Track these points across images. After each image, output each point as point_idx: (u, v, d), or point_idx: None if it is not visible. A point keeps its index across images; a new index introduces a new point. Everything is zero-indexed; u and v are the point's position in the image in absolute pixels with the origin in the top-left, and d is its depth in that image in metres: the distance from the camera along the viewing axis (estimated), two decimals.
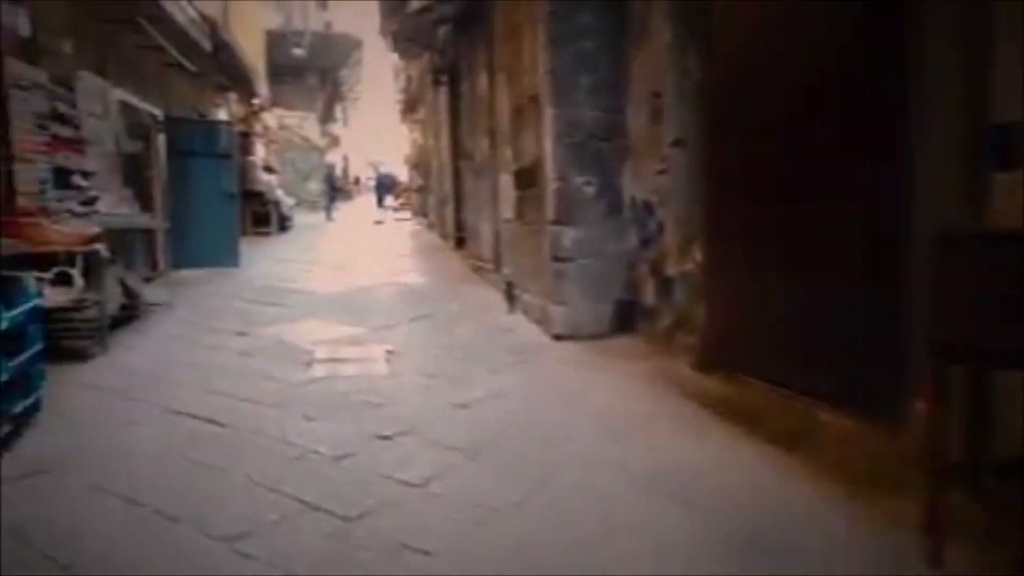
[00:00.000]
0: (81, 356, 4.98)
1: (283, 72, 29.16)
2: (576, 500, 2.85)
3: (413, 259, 12.03)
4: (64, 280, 4.86)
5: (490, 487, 2.97)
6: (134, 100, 8.45)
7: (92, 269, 5.10)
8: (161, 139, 9.49)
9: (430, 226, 17.88)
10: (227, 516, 2.71)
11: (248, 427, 3.72)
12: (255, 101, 17.43)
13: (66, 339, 4.91)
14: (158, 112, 9.46)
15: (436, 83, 13.63)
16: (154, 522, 2.68)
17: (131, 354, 5.36)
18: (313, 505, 2.80)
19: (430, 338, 6.02)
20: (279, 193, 16.90)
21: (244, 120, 16.41)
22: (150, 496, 2.86)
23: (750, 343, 4.21)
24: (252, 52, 18.36)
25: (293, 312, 7.11)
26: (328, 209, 23.29)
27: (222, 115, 14.13)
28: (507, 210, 7.48)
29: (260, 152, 17.28)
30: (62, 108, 5.69)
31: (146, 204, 8.79)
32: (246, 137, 16.48)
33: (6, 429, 3.31)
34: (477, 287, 8.57)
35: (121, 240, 6.23)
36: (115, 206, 6.38)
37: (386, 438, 3.57)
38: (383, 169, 25.31)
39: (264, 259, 11.82)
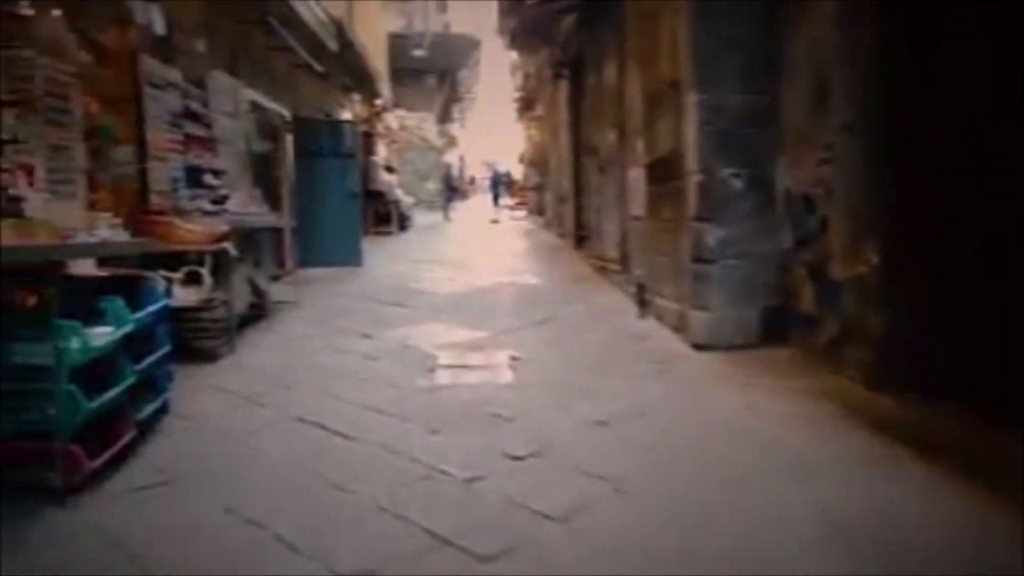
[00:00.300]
0: (210, 356, 4.95)
1: (403, 74, 29.77)
2: (755, 552, 2.37)
3: (532, 258, 11.72)
4: (193, 279, 4.84)
5: (646, 528, 2.55)
6: (264, 100, 8.59)
7: (221, 268, 5.07)
8: (288, 139, 9.65)
9: (547, 224, 17.57)
10: (351, 549, 2.43)
11: (373, 439, 3.47)
12: (377, 102, 17.71)
13: (195, 339, 4.90)
14: (286, 112, 9.62)
15: (556, 77, 13.27)
16: (272, 550, 2.43)
17: (259, 354, 5.30)
18: (444, 538, 2.48)
19: (556, 344, 5.65)
20: (399, 192, 17.09)
21: (367, 120, 16.70)
22: (271, 517, 2.63)
23: (943, 359, 3.56)
24: (374, 53, 18.71)
25: (416, 313, 6.94)
26: (445, 209, 23.47)
27: (346, 116, 14.38)
28: (637, 207, 7.00)
29: (381, 152, 17.54)
30: (195, 107, 5.74)
31: (274, 203, 8.93)
32: (369, 137, 16.75)
33: (132, 434, 3.21)
34: (602, 289, 8.13)
35: (250, 239, 6.23)
36: (244, 205, 6.41)
37: (518, 459, 3.22)
38: (500, 168, 25.28)
39: (386, 258, 11.88)
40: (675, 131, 5.57)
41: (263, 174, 8.66)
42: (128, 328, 3.20)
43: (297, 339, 5.86)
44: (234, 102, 6.88)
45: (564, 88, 12.84)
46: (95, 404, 2.88)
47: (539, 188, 18.61)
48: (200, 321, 4.91)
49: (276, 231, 8.86)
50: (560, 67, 12.38)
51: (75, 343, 2.80)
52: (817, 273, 4.58)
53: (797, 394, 3.95)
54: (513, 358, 5.12)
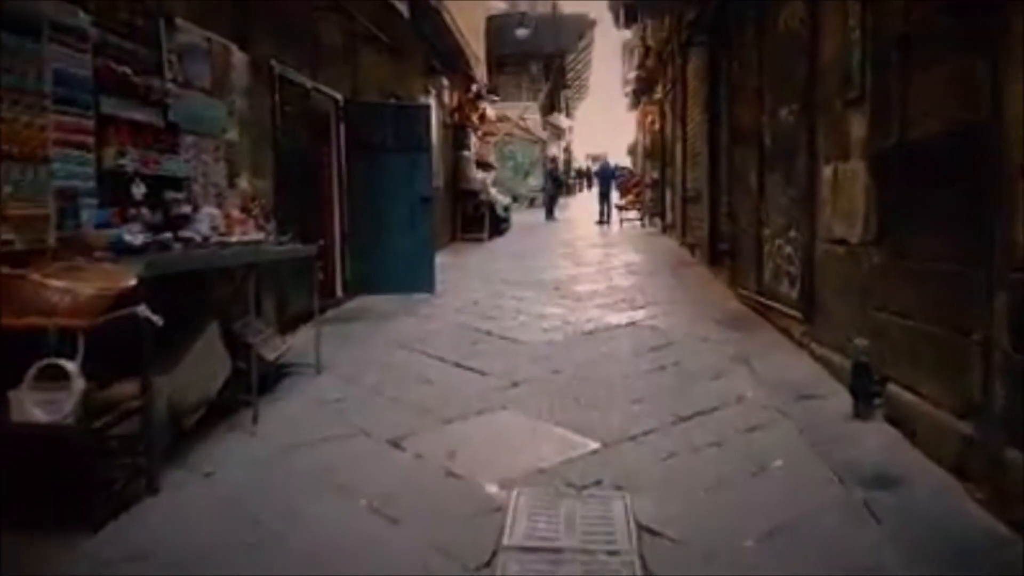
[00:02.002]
0: (92, 517, 2.71)
1: (506, 61, 27.54)
2: None
3: (653, 280, 9.07)
4: (55, 376, 2.62)
5: None
6: (299, 77, 6.42)
7: (133, 348, 2.84)
8: (341, 130, 7.47)
9: (667, 230, 14.77)
10: None
11: None
12: (472, 88, 15.46)
13: (71, 485, 2.68)
14: (338, 95, 7.42)
15: (687, 47, 10.51)
16: None
17: (196, 507, 3.02)
18: None
19: (721, 488, 3.07)
20: (493, 192, 14.79)
21: (458, 110, 14.50)
22: None
23: None
24: (471, 37, 16.53)
25: (484, 387, 4.56)
26: (549, 208, 21.00)
27: (432, 104, 12.15)
28: (846, 224, 4.30)
29: (475, 146, 15.31)
30: (124, 72, 3.53)
31: (315, 215, 6.78)
32: (460, 129, 14.55)
33: None
34: (770, 344, 5.44)
35: (229, 279, 4.05)
36: (232, 227, 4.20)
37: None
38: (611, 162, 22.47)
39: (468, 276, 9.56)
40: (968, 88, 2.87)
41: (302, 175, 6.52)
42: None
43: (280, 459, 3.52)
44: (224, 71, 4.68)
45: (698, 59, 10.07)
46: None
47: (657, 185, 15.80)
48: (72, 454, 2.68)
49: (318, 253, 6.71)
50: (693, 32, 9.63)
51: None
52: None
53: None
54: (647, 529, 2.63)
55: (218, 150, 4.56)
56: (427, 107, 7.84)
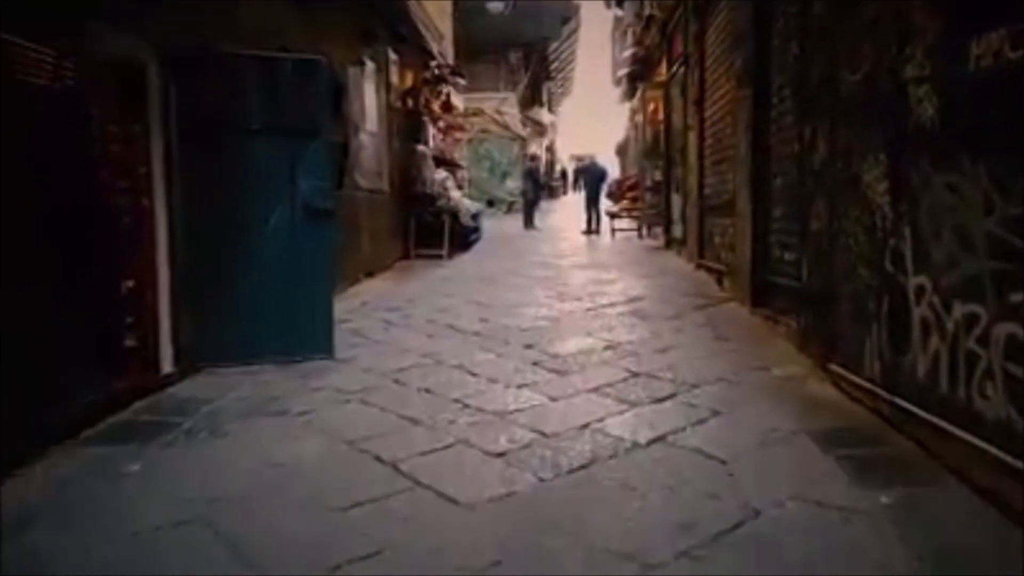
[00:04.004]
0: None
1: (482, 49, 24.65)
2: None
3: (675, 332, 6.17)
4: None
5: None
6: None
7: None
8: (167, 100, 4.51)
9: (672, 244, 11.92)
10: None
11: None
12: (433, 66, 12.52)
13: None
14: (163, 43, 4.47)
15: (710, 2, 7.69)
16: None
17: None
18: None
19: None
20: (456, 196, 11.85)
21: (411, 93, 11.55)
22: None
23: None
24: (434, 10, 13.67)
25: None
26: (528, 214, 18.10)
27: (369, 86, 9.23)
28: None
29: (434, 139, 12.35)
30: None
31: (106, 244, 3.86)
32: (414, 118, 11.60)
33: None
34: (976, 528, 2.58)
35: None
36: None
37: None
38: (599, 161, 19.56)
39: (403, 319, 6.63)
40: None
41: (64, 176, 3.59)
42: None
43: None
44: None
45: (733, 16, 7.24)
46: None
47: (660, 188, 12.93)
48: None
49: (88, 297, 3.77)
50: None
51: None
52: None
53: None
54: None
55: None
56: (318, 63, 4.86)
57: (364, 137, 8.91)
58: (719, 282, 7.86)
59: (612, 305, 7.18)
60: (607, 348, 5.41)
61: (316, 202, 4.82)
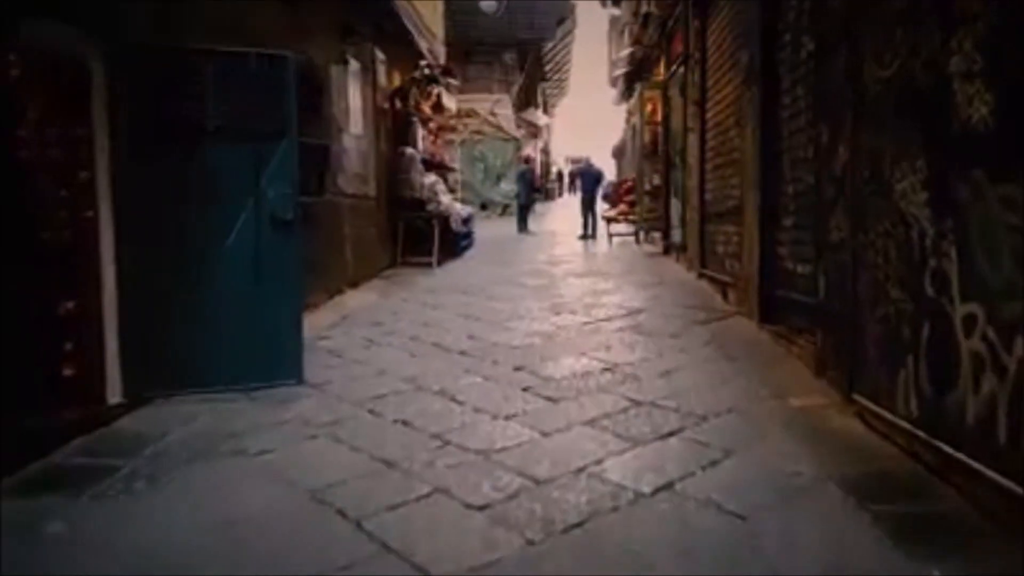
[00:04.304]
0: None
1: (475, 50, 24.20)
2: None
3: (678, 350, 5.73)
4: None
5: None
6: None
7: None
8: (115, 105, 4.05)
9: (671, 251, 11.48)
10: None
11: None
12: (423, 66, 12.06)
13: None
14: (111, 35, 4.00)
15: None
16: None
17: None
18: None
19: None
20: (447, 200, 11.37)
21: (400, 94, 11.08)
22: None
23: None
24: (425, 9, 13.22)
25: None
26: (522, 218, 17.65)
27: (354, 86, 8.78)
28: None
29: (424, 141, 11.88)
30: None
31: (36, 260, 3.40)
32: (404, 119, 11.14)
33: None
34: None
35: None
36: None
37: None
38: (594, 164, 19.10)
39: (385, 334, 6.16)
40: None
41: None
42: None
43: None
44: None
45: (739, 8, 6.81)
46: None
47: (659, 192, 12.47)
48: None
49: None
50: None
51: None
52: None
53: None
54: None
55: None
56: (284, 58, 4.39)
57: (348, 140, 8.45)
58: (723, 294, 7.42)
59: (610, 319, 6.73)
60: (605, 370, 4.96)
61: (282, 210, 4.35)
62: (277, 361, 4.42)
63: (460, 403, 4.30)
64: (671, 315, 6.84)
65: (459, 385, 4.67)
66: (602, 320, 6.70)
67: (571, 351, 5.52)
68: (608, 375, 4.83)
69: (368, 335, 6.18)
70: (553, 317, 6.89)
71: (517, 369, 5.03)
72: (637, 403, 4.22)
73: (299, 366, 4.51)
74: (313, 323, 6.54)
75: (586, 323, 6.59)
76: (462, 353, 5.52)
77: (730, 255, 7.28)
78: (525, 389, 4.56)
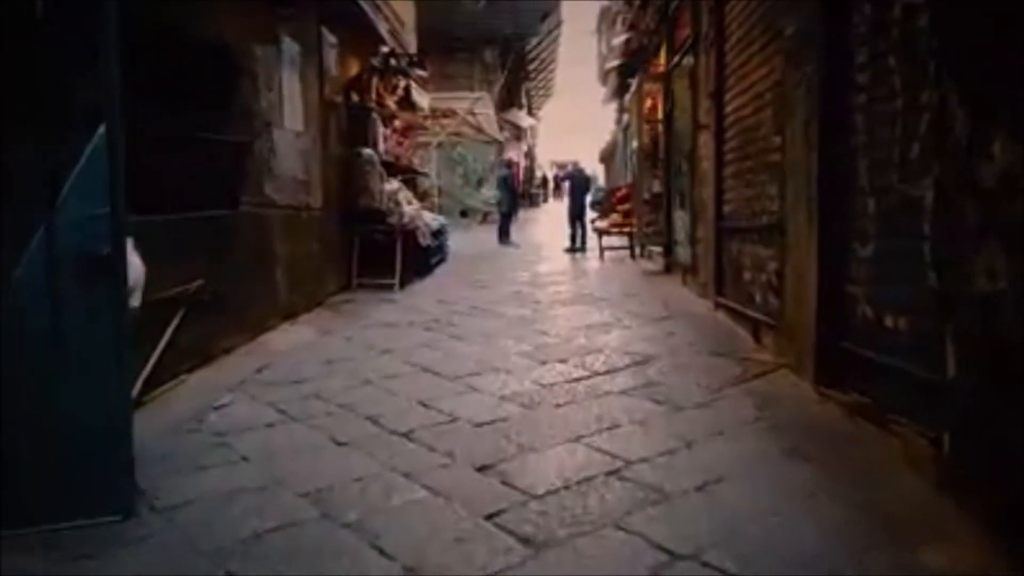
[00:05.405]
0: None
1: (455, 46, 22.61)
2: None
3: (701, 423, 4.13)
4: None
5: None
6: None
7: None
8: None
9: (674, 269, 9.88)
10: None
11: None
12: (385, 52, 10.38)
13: None
14: None
15: None
16: None
17: None
18: None
19: None
20: (411, 210, 9.71)
21: (357, 83, 9.42)
22: None
23: None
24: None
25: None
26: (503, 228, 16.03)
27: (291, 72, 7.12)
28: None
29: (385, 141, 10.19)
30: None
31: None
32: (360, 114, 9.48)
33: None
34: None
35: None
36: None
37: None
38: (584, 169, 17.48)
39: (298, 408, 4.45)
40: None
41: None
42: None
43: None
44: None
45: None
46: None
47: (659, 201, 10.87)
48: None
49: None
50: None
51: None
52: None
53: None
54: None
55: None
56: (97, 4, 2.72)
57: (281, 138, 6.78)
58: (755, 334, 5.80)
59: (611, 372, 5.09)
60: (609, 474, 3.32)
61: (94, 244, 2.68)
62: (89, 484, 2.75)
63: (383, 553, 2.65)
64: (692, 366, 5.20)
65: (388, 508, 3.02)
66: (601, 374, 5.06)
67: (560, 434, 3.87)
68: (617, 486, 3.19)
69: (282, 401, 4.50)
70: (535, 369, 5.24)
71: (479, 471, 3.38)
72: (669, 553, 2.59)
73: (127, 490, 2.84)
74: (213, 380, 4.89)
75: (579, 379, 4.94)
76: (404, 438, 3.85)
77: (763, 286, 5.67)
78: (489, 518, 2.91)
